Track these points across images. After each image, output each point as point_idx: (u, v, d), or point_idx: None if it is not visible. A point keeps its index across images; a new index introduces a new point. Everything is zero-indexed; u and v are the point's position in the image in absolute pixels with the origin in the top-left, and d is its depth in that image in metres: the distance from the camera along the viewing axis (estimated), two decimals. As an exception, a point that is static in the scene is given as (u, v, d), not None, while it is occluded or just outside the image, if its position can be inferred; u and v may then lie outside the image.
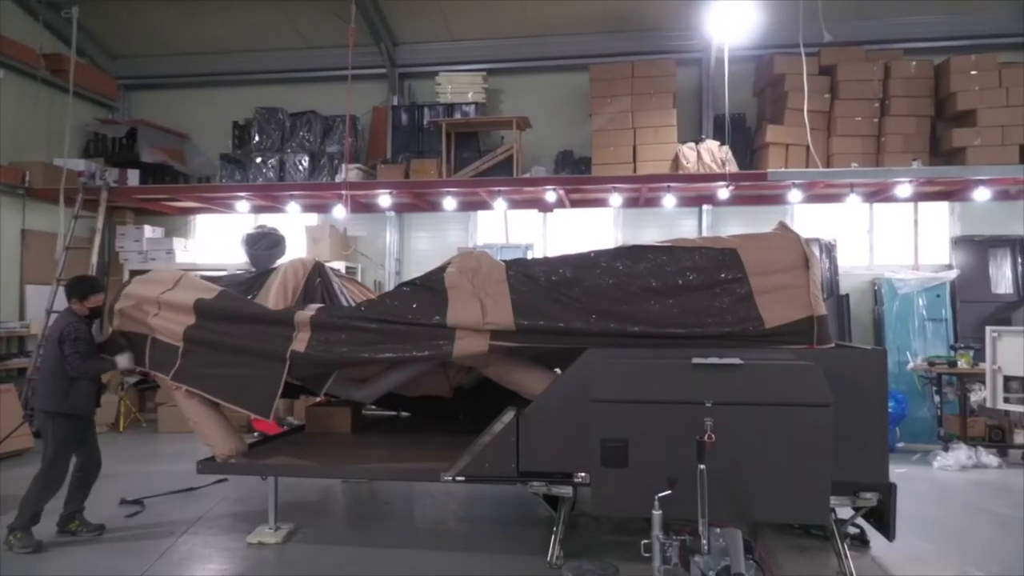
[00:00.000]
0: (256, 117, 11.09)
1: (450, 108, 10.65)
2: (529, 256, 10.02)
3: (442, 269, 5.31)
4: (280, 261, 9.62)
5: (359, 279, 11.14)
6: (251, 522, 5.71)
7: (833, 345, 4.83)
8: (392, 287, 8.45)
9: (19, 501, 5.32)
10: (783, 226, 5.12)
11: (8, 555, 5.11)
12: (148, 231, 11.18)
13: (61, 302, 9.34)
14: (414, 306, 5.09)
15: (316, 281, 5.90)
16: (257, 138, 11.00)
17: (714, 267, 4.81)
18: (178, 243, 11.17)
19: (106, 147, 11.33)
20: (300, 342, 5.09)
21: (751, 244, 4.91)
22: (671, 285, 4.83)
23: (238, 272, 7.52)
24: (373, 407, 7.28)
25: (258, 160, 10.79)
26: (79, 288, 5.52)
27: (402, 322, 5.04)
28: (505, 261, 5.27)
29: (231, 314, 5.34)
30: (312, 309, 5.29)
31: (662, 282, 4.84)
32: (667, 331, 4.72)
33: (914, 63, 9.68)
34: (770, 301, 4.67)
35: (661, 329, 4.73)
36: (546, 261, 5.29)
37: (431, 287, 5.16)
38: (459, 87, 10.75)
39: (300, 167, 10.73)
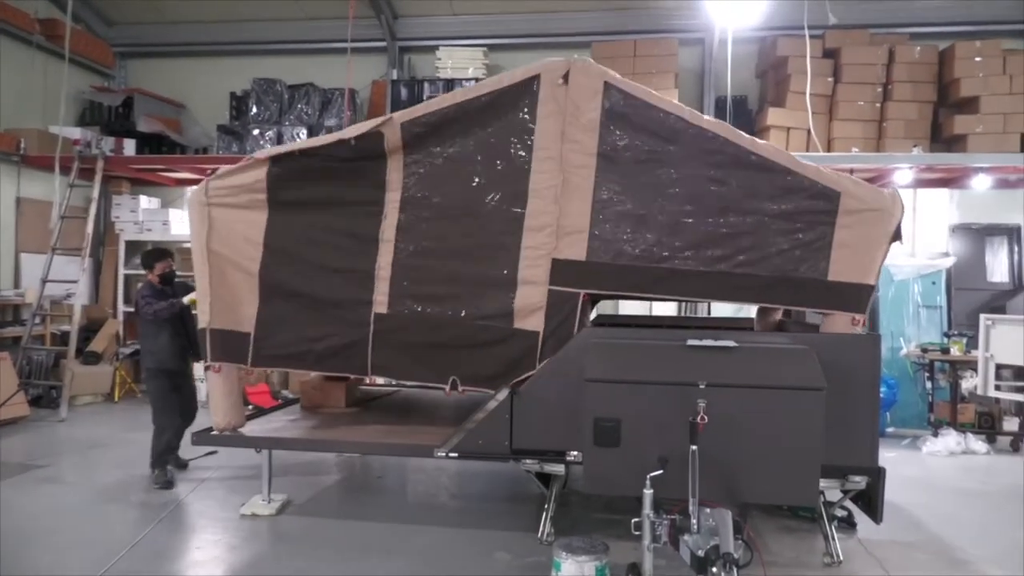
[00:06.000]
0: (254, 88, 10.97)
1: (450, 83, 10.53)
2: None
3: (532, 106, 4.88)
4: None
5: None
6: (244, 494, 5.75)
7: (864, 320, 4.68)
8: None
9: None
10: (893, 192, 4.67)
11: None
12: (144, 201, 11.11)
13: (56, 271, 9.43)
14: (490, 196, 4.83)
15: None
16: (255, 110, 10.89)
17: (809, 200, 4.50)
18: (174, 214, 11.10)
19: (102, 115, 11.20)
20: (380, 303, 4.99)
21: (857, 194, 4.51)
22: (757, 207, 4.54)
23: None
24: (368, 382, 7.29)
25: (255, 132, 10.69)
26: (147, 260, 6.37)
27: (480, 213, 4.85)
28: (604, 91, 4.69)
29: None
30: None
31: (751, 200, 4.54)
32: (719, 265, 4.56)
33: (918, 48, 9.60)
34: (843, 256, 4.49)
35: (716, 256, 4.56)
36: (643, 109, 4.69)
37: (511, 152, 4.82)
38: (459, 62, 10.63)
39: (298, 140, 10.64)
